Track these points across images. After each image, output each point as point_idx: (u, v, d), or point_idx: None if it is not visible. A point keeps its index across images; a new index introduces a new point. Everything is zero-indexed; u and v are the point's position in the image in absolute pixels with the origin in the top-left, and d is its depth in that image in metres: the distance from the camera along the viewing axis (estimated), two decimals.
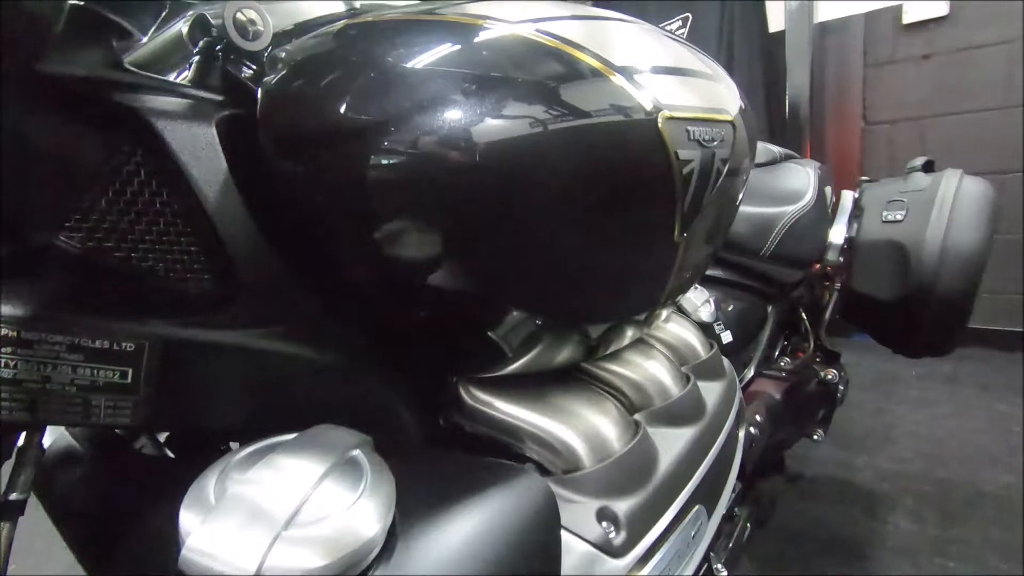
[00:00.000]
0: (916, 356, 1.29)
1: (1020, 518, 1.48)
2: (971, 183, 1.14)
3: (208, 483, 0.33)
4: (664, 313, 0.71)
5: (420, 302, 0.46)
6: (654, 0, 2.89)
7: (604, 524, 0.47)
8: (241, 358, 0.41)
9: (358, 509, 0.32)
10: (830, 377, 1.44)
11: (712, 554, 0.77)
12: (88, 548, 0.48)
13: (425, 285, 0.43)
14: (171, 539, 0.30)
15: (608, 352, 0.66)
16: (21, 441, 0.39)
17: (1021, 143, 2.42)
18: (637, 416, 0.64)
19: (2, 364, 0.34)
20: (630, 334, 0.67)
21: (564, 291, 0.49)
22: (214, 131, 0.40)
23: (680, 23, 2.86)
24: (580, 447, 0.55)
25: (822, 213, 1.28)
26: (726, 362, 0.88)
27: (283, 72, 0.43)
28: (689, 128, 0.45)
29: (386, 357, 0.50)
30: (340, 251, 0.43)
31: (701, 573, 0.68)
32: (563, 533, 0.44)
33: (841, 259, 1.30)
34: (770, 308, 1.27)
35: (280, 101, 0.42)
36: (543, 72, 0.41)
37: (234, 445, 0.50)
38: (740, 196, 0.59)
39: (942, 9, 2.49)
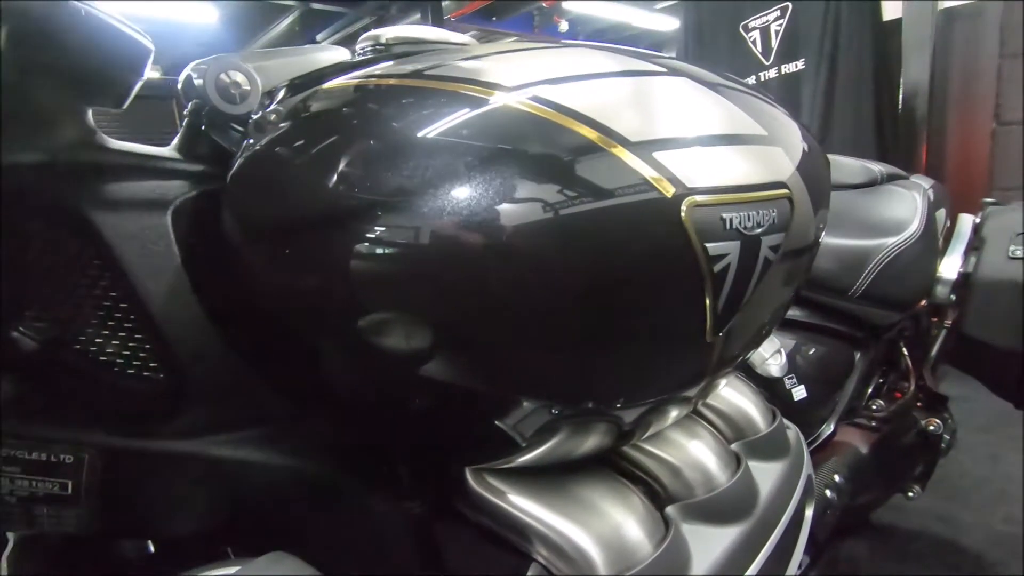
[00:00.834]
0: None
1: None
2: None
3: None
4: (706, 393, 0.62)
5: (415, 398, 0.41)
6: None
7: None
8: (198, 467, 0.38)
9: None
10: (932, 428, 1.26)
11: None
12: None
13: (421, 380, 0.38)
14: None
15: (648, 434, 0.58)
16: None
17: None
18: (670, 510, 0.55)
19: None
20: (673, 415, 0.58)
21: (573, 384, 0.43)
22: (168, 221, 0.37)
23: (778, 13, 2.61)
24: (595, 554, 0.48)
25: (930, 245, 1.10)
26: (792, 434, 0.76)
27: (256, 142, 0.38)
28: (725, 215, 0.36)
29: (375, 467, 0.46)
30: (321, 347, 0.39)
31: None
32: None
33: (953, 297, 1.12)
34: (858, 355, 1.11)
35: (250, 175, 0.38)
36: (534, 151, 0.34)
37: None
38: (802, 277, 0.48)
39: None
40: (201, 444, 0.37)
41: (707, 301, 0.38)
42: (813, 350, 1.01)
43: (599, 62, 0.41)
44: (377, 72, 0.41)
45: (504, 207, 0.33)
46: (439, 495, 0.52)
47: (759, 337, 0.53)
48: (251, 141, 0.39)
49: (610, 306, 0.37)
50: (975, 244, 1.12)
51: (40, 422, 0.34)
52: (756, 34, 2.69)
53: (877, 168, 1.21)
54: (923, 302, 1.15)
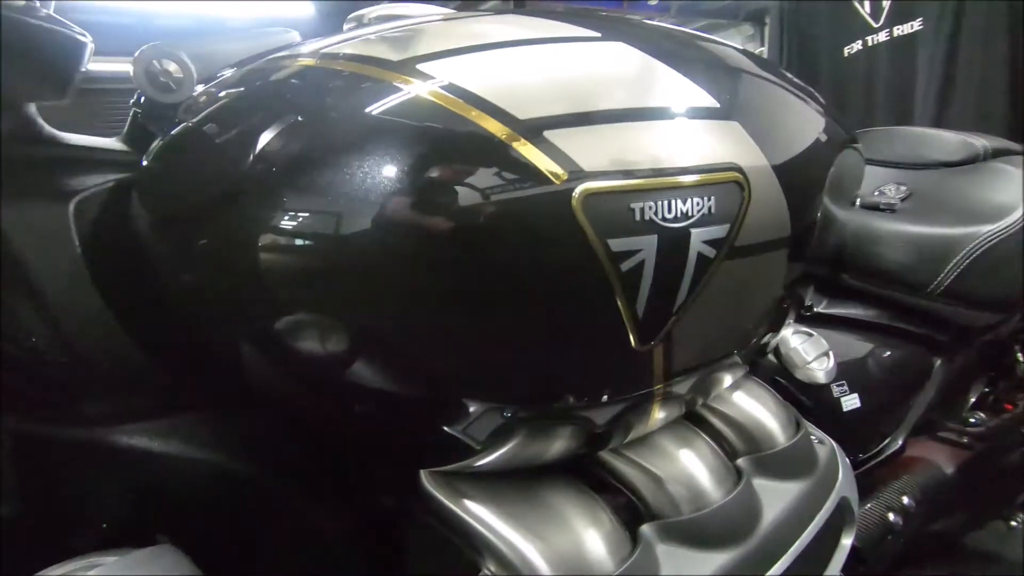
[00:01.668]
0: None
1: None
2: None
3: None
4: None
5: (347, 404, 0.40)
6: None
7: None
8: (110, 455, 0.38)
9: None
10: None
11: None
12: None
13: (348, 385, 0.36)
14: None
15: (628, 439, 0.53)
16: None
17: None
18: (645, 528, 0.50)
19: None
20: (651, 420, 0.52)
21: (500, 384, 0.39)
22: (70, 213, 0.37)
23: None
24: (545, 570, 0.45)
25: None
26: (824, 449, 0.67)
27: (170, 129, 0.38)
28: (635, 205, 0.31)
29: (316, 466, 0.45)
30: (226, 346, 0.38)
31: None
32: None
33: None
34: (938, 361, 0.96)
35: (160, 162, 0.38)
36: (436, 146, 0.31)
37: None
38: (787, 275, 0.41)
39: None
40: (109, 432, 0.38)
41: (619, 305, 0.32)
42: (874, 354, 0.88)
43: (523, 31, 0.36)
44: (289, 53, 0.39)
45: (387, 201, 0.30)
46: (391, 495, 0.51)
47: (735, 342, 0.46)
48: (167, 129, 0.39)
49: (516, 308, 0.33)
50: None
51: None
52: None
53: (980, 143, 1.02)
54: None
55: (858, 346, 0.88)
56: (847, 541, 0.65)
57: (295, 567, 0.46)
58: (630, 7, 5.05)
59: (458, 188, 0.30)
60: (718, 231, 0.33)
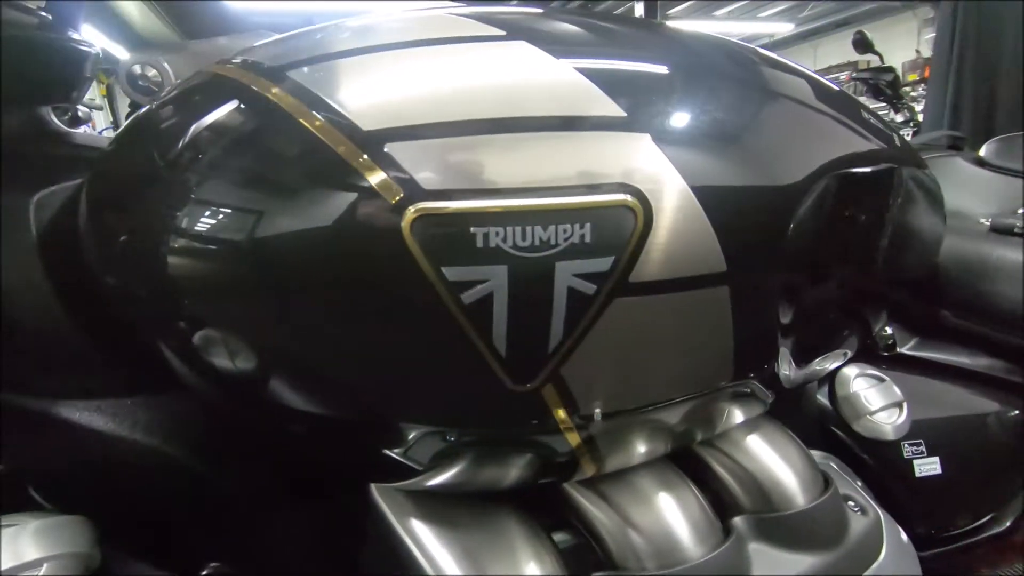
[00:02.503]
0: None
1: None
2: None
3: None
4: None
5: (272, 418, 0.40)
6: None
7: None
8: (50, 425, 0.42)
9: None
10: None
11: None
12: None
13: (264, 400, 0.37)
14: None
15: (602, 471, 0.48)
16: None
17: None
18: None
19: None
20: (639, 451, 0.47)
21: (394, 407, 0.37)
22: (31, 206, 0.41)
23: None
24: None
25: None
26: (864, 522, 0.57)
27: (119, 133, 0.41)
28: (476, 230, 0.27)
29: (265, 466, 0.46)
30: (151, 343, 0.40)
31: None
32: None
33: None
34: None
35: (103, 162, 0.40)
36: (276, 159, 0.30)
37: None
38: (740, 311, 0.34)
39: None
40: (56, 405, 0.42)
41: (475, 341, 0.29)
42: (968, 410, 0.71)
43: (427, 32, 0.34)
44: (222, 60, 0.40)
45: (232, 215, 0.30)
46: (343, 501, 0.51)
47: (693, 383, 0.39)
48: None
49: (372, 337, 0.30)
50: None
51: None
52: None
53: None
54: None
55: (948, 399, 0.72)
56: None
57: (221, 561, 0.47)
58: None
59: (295, 205, 0.28)
60: (597, 264, 0.28)
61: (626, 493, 0.49)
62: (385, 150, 0.27)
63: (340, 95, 0.29)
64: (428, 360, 0.31)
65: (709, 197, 0.30)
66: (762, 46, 0.50)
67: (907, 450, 0.68)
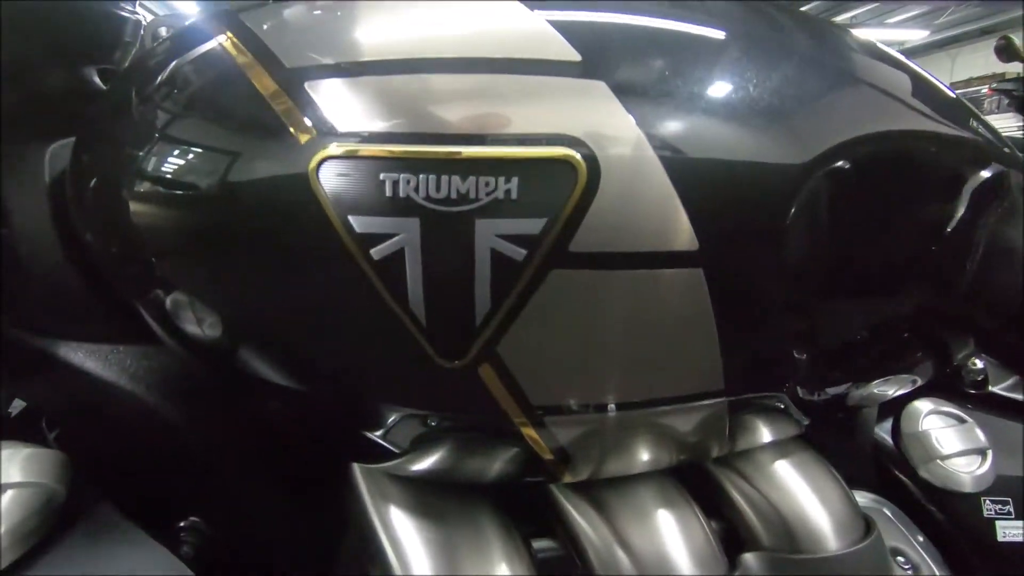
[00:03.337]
0: None
1: None
2: None
3: None
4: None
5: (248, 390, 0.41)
6: None
7: None
8: (44, 361, 0.44)
9: None
10: None
11: None
12: None
13: (237, 369, 0.37)
14: None
15: (597, 476, 0.44)
16: None
17: None
18: None
19: None
20: (639, 459, 0.43)
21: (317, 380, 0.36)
22: (46, 157, 0.43)
23: None
24: None
25: None
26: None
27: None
28: (386, 176, 0.24)
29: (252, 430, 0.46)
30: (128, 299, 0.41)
31: None
32: None
33: None
34: None
35: (92, 114, 0.42)
36: (212, 105, 0.29)
37: None
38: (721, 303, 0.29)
39: None
40: (54, 344, 0.44)
41: (391, 305, 0.26)
42: None
43: None
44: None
45: (173, 155, 0.29)
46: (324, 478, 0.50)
47: (673, 384, 0.34)
48: None
49: (293, 296, 0.29)
50: None
51: None
52: None
53: None
54: None
55: None
56: None
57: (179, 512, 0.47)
58: None
59: (217, 144, 0.27)
60: (526, 226, 0.24)
61: (619, 505, 0.45)
62: (305, 87, 0.25)
63: (274, 33, 0.27)
64: (352, 325, 0.28)
65: (680, 165, 0.25)
66: None
67: (988, 508, 0.56)
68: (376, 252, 0.25)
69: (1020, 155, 0.46)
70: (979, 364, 0.65)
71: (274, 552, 0.52)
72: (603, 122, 0.25)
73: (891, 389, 0.52)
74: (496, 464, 0.41)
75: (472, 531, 0.43)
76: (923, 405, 0.60)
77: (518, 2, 0.28)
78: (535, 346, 0.28)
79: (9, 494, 0.37)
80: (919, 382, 0.52)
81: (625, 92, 0.26)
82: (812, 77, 0.32)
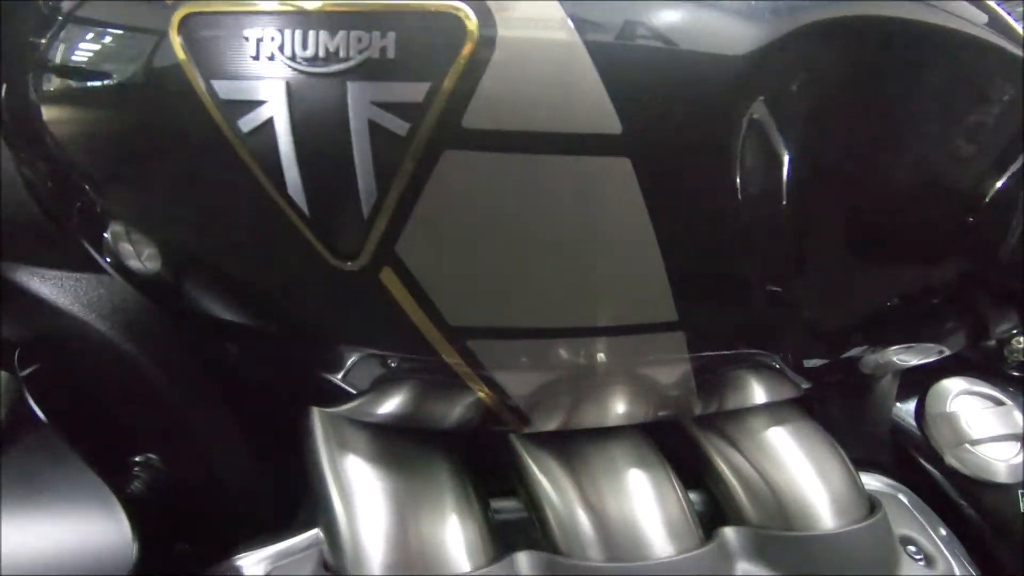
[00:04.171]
0: None
1: None
2: None
3: None
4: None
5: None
6: None
7: None
8: (7, 290, 0.44)
9: None
10: None
11: None
12: None
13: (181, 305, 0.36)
14: None
15: (563, 427, 0.41)
16: None
17: None
18: (521, 556, 0.39)
19: None
20: (613, 411, 0.40)
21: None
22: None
23: None
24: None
25: None
26: (915, 568, 0.43)
27: None
28: (250, 33, 0.21)
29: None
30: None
31: None
32: None
33: None
34: None
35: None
36: None
37: None
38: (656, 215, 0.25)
39: None
40: (13, 269, 0.43)
41: (266, 185, 0.23)
42: None
43: None
44: None
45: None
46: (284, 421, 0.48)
47: (624, 318, 0.29)
48: None
49: (164, 175, 0.26)
50: None
51: None
52: None
53: None
54: None
55: None
56: None
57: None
58: None
59: (100, 25, 0.25)
60: (406, 91, 0.21)
61: (587, 463, 0.41)
62: None
63: None
64: (233, 214, 0.26)
65: (593, 27, 0.21)
66: None
67: None
68: (244, 123, 0.22)
69: None
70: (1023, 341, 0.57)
71: (238, 499, 0.51)
72: None
73: (914, 358, 0.46)
74: (456, 409, 0.38)
75: (426, 485, 0.40)
76: (954, 384, 0.53)
77: None
78: (438, 248, 0.25)
79: None
80: (946, 352, 0.46)
81: None
82: None
